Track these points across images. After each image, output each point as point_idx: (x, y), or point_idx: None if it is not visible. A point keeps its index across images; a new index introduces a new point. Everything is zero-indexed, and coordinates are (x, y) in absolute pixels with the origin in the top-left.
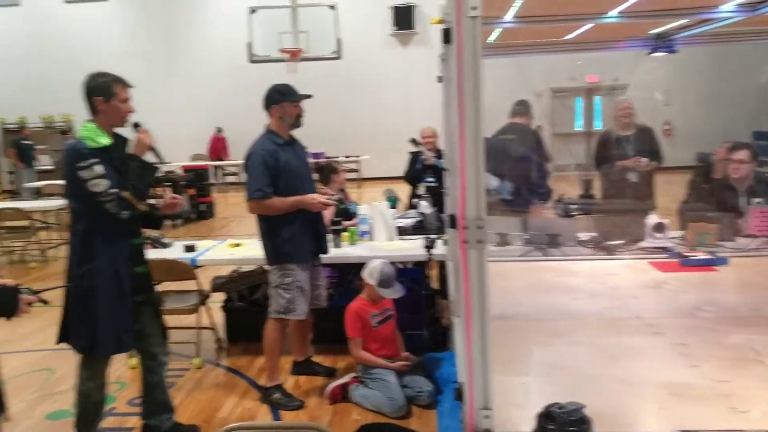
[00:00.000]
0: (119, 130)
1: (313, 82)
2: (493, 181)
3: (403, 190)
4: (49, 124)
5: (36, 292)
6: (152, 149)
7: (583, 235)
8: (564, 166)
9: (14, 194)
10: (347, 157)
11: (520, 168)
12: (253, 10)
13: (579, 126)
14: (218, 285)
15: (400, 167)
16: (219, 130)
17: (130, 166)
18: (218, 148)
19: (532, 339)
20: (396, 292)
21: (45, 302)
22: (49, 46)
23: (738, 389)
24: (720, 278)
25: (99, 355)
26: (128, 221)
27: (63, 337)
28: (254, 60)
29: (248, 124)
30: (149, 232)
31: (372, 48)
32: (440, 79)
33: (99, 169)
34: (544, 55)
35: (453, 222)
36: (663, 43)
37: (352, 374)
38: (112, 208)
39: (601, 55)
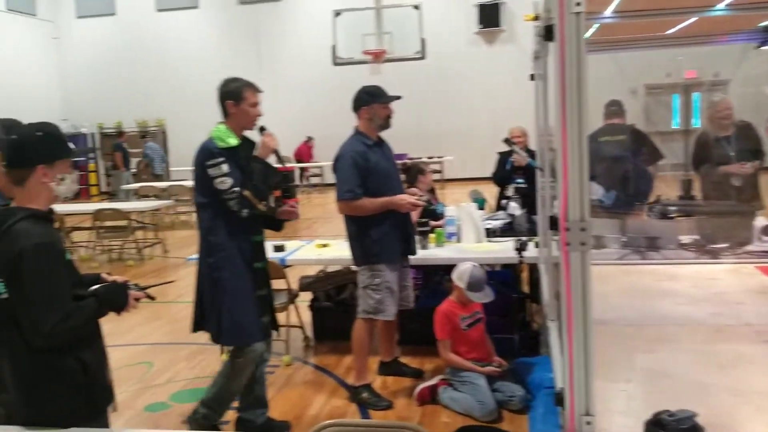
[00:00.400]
0: (248, 133)
1: (396, 83)
2: (598, 190)
3: (488, 191)
4: (144, 128)
5: (143, 288)
6: (276, 153)
7: (685, 238)
8: (660, 166)
9: (111, 196)
10: (430, 157)
11: (622, 170)
12: (337, 13)
13: (676, 124)
14: (305, 284)
15: (485, 168)
16: (309, 139)
17: (253, 167)
18: (303, 153)
19: (632, 345)
20: (486, 296)
21: (152, 298)
22: (142, 53)
23: None
24: None
25: (226, 343)
26: (248, 219)
27: (197, 326)
28: (338, 62)
29: (331, 128)
30: None
31: (456, 47)
32: (532, 77)
33: (225, 167)
34: (641, 51)
35: (553, 224)
36: None
37: (441, 376)
38: (234, 206)
39: (701, 49)
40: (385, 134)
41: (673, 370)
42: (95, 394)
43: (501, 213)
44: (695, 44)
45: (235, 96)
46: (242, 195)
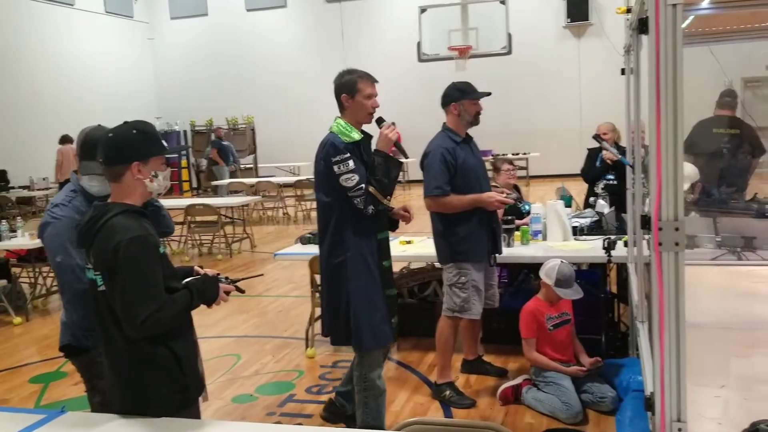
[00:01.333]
0: (365, 127)
1: (482, 79)
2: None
3: (574, 189)
4: (234, 125)
5: (233, 282)
6: (396, 145)
7: None
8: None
9: (206, 191)
10: (515, 154)
11: (727, 164)
12: (423, 10)
13: None
14: None
15: (572, 164)
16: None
17: (375, 161)
18: None
19: (727, 349)
20: (575, 293)
21: (242, 291)
22: (232, 52)
23: None
24: None
25: (363, 349)
26: (374, 216)
27: (328, 330)
28: (423, 59)
29: (417, 124)
30: None
31: (544, 41)
32: (623, 72)
33: (351, 163)
34: (740, 42)
35: (645, 222)
36: None
37: (525, 376)
38: (360, 203)
39: None
40: (471, 131)
41: None
42: (188, 384)
43: (589, 211)
44: None
45: (349, 89)
46: (368, 191)
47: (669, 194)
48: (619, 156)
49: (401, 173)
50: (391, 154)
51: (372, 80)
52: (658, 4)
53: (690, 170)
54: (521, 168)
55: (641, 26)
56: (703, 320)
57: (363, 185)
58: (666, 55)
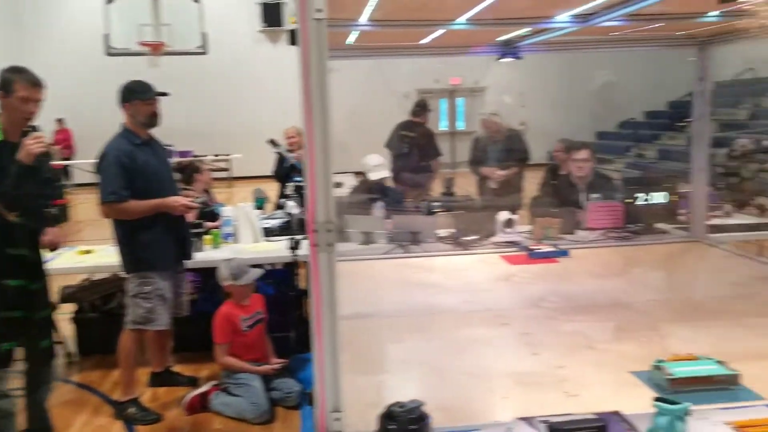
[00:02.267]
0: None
1: (179, 78)
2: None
3: (273, 190)
4: None
5: None
6: (45, 158)
7: (443, 232)
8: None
9: None
10: (217, 155)
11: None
12: (109, 0)
13: (444, 126)
14: (68, 295)
15: (272, 166)
16: (60, 122)
17: (10, 169)
18: (62, 141)
19: (390, 336)
20: (254, 273)
21: None
22: None
23: (572, 374)
24: (562, 269)
25: None
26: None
27: None
28: (112, 53)
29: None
30: None
31: (241, 44)
32: None
33: None
34: (405, 57)
35: (302, 225)
36: (509, 49)
37: (212, 383)
38: None
39: (462, 58)
40: (168, 131)
41: (423, 358)
42: None
43: (279, 212)
44: (449, 54)
45: (4, 87)
46: None
47: (322, 197)
48: (294, 160)
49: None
50: (35, 166)
51: (33, 83)
52: (304, 18)
53: (377, 161)
54: (223, 170)
55: (292, 38)
56: (373, 310)
57: None
58: (313, 67)
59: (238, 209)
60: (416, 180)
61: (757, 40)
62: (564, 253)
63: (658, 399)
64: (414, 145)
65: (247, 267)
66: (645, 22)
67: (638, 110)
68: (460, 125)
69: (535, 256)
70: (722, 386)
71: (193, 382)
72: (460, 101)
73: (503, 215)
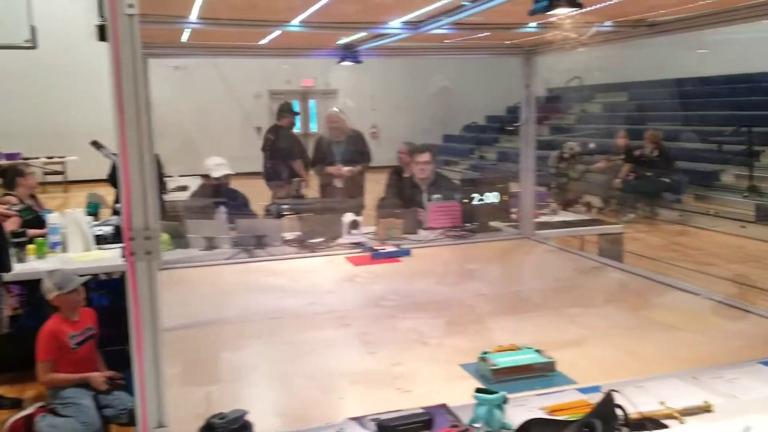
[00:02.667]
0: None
1: (6, 73)
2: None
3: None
4: None
5: None
6: None
7: (289, 235)
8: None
9: None
10: (50, 157)
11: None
12: None
13: (297, 128)
14: None
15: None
16: None
17: None
18: None
19: (231, 343)
20: (81, 279)
21: None
22: None
23: (406, 371)
24: (403, 268)
25: None
26: None
27: None
28: None
29: None
30: None
31: (75, 39)
32: None
33: None
34: (248, 58)
35: (118, 233)
36: (349, 53)
37: (39, 404)
38: None
39: (312, 61)
40: None
41: (262, 363)
42: None
43: (115, 218)
44: (289, 56)
45: None
46: None
47: (138, 203)
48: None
49: None
50: None
51: None
52: (115, 13)
53: (219, 160)
54: (57, 173)
55: (101, 34)
56: (211, 318)
57: None
58: (126, 64)
59: (67, 216)
60: (279, 183)
61: (564, 50)
62: (406, 253)
63: (478, 390)
64: (276, 149)
65: (73, 275)
66: (471, 31)
67: (482, 115)
68: (313, 127)
69: (377, 257)
70: (541, 373)
71: (17, 404)
72: (312, 103)
73: (348, 217)
